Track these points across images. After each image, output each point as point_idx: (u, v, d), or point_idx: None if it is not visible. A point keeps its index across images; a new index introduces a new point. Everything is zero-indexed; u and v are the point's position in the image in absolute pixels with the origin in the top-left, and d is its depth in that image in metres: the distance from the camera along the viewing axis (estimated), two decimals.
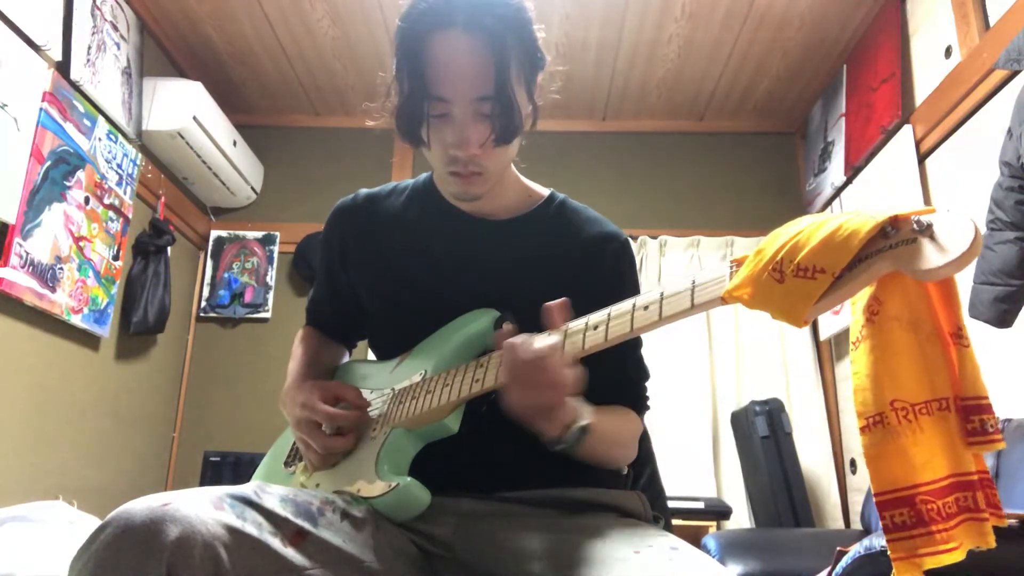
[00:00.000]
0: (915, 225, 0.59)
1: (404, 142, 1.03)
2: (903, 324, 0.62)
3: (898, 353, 0.63)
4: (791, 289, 0.64)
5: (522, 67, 0.98)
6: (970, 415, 0.63)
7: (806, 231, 0.65)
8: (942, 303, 0.64)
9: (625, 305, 0.82)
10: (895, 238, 0.60)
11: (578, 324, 0.86)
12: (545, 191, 1.17)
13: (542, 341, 0.85)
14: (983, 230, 1.98)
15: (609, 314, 0.83)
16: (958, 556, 0.59)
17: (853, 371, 0.64)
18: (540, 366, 0.83)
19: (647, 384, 1.12)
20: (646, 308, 0.79)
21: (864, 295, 0.65)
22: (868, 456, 0.63)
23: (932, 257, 0.57)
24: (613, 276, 1.08)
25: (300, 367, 1.18)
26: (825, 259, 0.62)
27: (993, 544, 0.59)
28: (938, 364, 0.63)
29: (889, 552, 0.59)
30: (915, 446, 0.61)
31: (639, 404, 1.10)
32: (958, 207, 1.45)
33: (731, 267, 0.72)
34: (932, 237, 0.58)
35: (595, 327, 0.83)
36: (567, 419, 0.90)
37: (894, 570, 0.58)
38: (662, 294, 0.78)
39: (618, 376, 1.08)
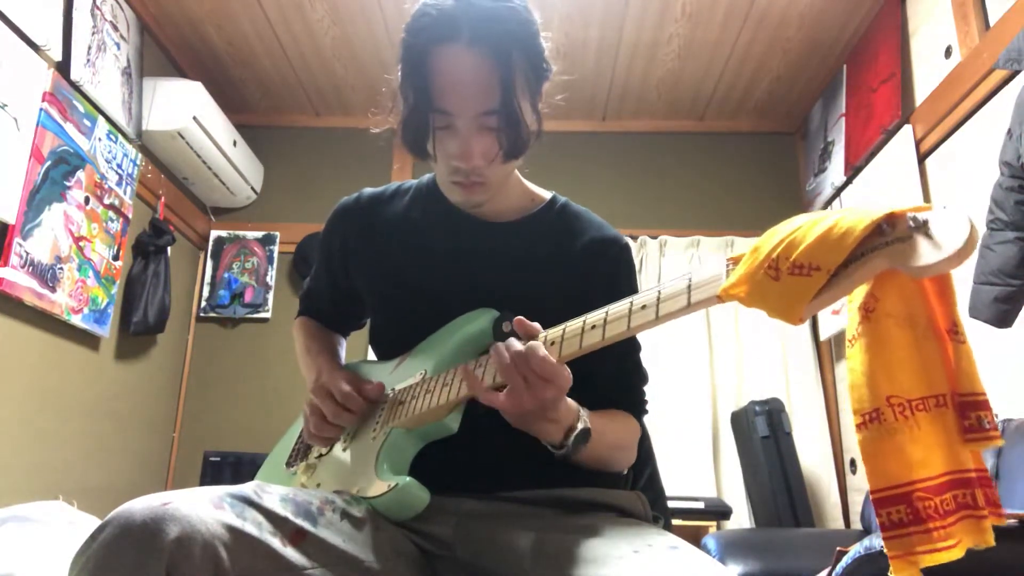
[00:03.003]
0: (911, 222, 0.58)
1: (409, 154, 1.04)
2: (899, 321, 0.62)
3: (894, 350, 0.62)
4: (787, 287, 0.64)
5: (527, 80, 0.98)
6: (967, 411, 0.62)
7: (802, 229, 0.64)
8: (938, 300, 0.64)
9: (622, 304, 0.82)
10: (891, 235, 0.59)
11: (575, 324, 0.86)
12: (547, 194, 1.17)
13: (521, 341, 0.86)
14: (983, 230, 1.98)
15: (607, 313, 0.83)
16: (956, 554, 0.58)
17: (849, 368, 0.64)
18: (530, 359, 0.84)
19: (646, 388, 1.13)
20: (643, 308, 0.79)
21: (860, 293, 0.65)
22: (865, 453, 0.62)
23: (927, 254, 0.57)
24: (612, 280, 1.08)
25: (328, 352, 1.21)
26: (820, 257, 0.62)
27: (992, 542, 0.58)
28: (934, 360, 0.63)
29: (886, 550, 0.59)
30: (912, 443, 0.60)
31: (638, 408, 1.10)
32: (958, 207, 1.44)
33: (728, 265, 0.72)
34: (928, 234, 0.57)
35: (592, 326, 0.83)
36: (567, 423, 0.91)
37: (891, 568, 0.58)
38: (659, 293, 0.78)
39: (617, 380, 1.08)
